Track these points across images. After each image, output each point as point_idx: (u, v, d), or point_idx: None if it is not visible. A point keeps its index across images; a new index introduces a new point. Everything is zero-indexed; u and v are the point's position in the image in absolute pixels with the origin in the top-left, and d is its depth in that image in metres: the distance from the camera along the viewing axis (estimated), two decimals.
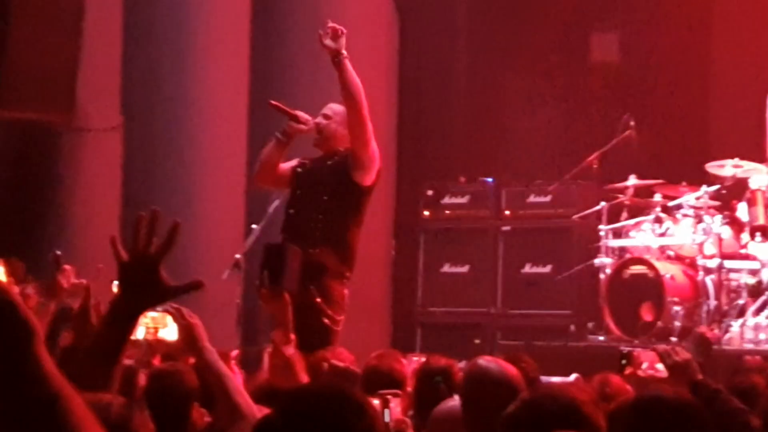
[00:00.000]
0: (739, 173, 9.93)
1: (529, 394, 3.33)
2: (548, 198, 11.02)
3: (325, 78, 10.37)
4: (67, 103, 9.54)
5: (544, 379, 5.97)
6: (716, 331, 9.39)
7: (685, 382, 4.37)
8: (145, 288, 2.72)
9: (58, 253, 5.46)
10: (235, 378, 3.98)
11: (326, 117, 7.19)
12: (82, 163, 9.95)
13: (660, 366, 4.66)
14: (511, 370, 4.26)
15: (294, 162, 7.35)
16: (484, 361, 4.33)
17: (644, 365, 4.84)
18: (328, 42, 6.83)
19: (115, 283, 2.75)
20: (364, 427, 2.37)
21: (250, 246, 8.03)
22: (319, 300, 6.84)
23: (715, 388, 4.32)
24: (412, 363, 5.92)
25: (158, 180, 9.98)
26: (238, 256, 8.16)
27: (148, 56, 10.18)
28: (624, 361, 5.06)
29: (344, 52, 6.81)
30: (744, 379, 4.83)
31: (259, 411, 3.53)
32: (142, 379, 4.66)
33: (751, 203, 9.76)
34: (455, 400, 4.17)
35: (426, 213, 11.36)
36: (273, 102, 7.30)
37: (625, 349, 5.03)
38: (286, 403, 2.45)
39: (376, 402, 3.66)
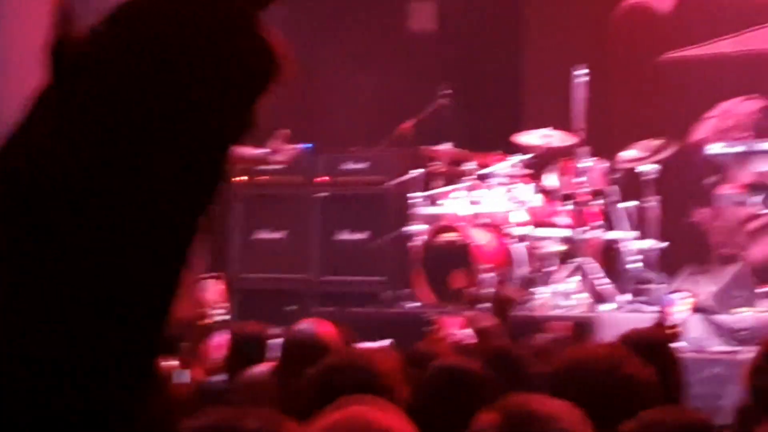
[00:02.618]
0: (550, 142, 10.14)
1: (332, 360, 3.35)
2: (364, 164, 11.05)
3: None
4: None
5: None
6: (523, 294, 9.57)
7: (490, 347, 4.45)
8: None
9: None
10: None
11: None
12: None
13: (465, 332, 4.74)
14: (328, 331, 4.28)
15: None
16: (304, 324, 4.35)
17: (451, 331, 4.91)
18: None
19: None
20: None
21: None
22: None
23: (516, 354, 4.42)
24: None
25: None
26: None
27: None
28: (431, 327, 5.12)
29: None
30: (546, 344, 4.94)
31: None
32: None
33: (562, 172, 9.98)
34: (264, 365, 4.15)
35: (240, 178, 11.26)
36: None
37: (431, 315, 5.08)
38: None
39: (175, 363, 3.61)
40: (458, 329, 4.86)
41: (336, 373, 3.31)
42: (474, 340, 4.55)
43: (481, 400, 3.29)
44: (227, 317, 7.48)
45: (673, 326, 5.29)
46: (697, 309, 9.35)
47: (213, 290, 7.44)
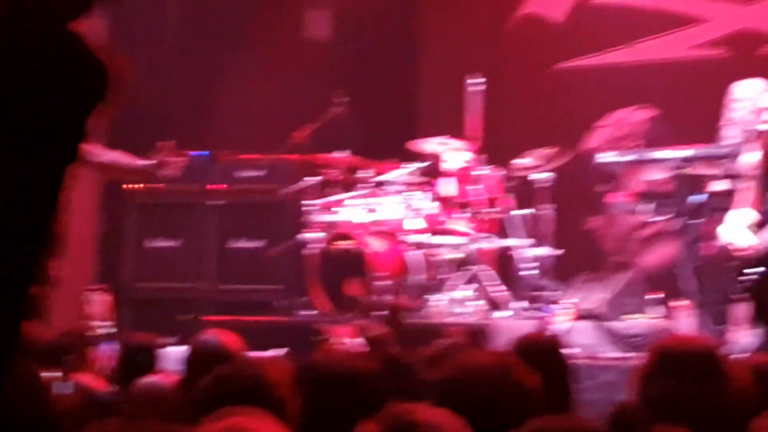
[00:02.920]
0: (445, 150, 10.18)
1: (221, 370, 3.33)
2: (260, 172, 11.00)
3: None
4: None
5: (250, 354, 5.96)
6: (418, 302, 9.60)
7: (380, 354, 4.47)
8: None
9: None
10: None
11: None
12: None
13: (355, 340, 4.75)
14: (233, 341, 4.29)
15: None
16: (208, 333, 4.35)
17: (340, 339, 4.92)
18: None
19: None
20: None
21: None
22: None
23: (406, 361, 4.44)
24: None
25: None
26: None
27: None
28: (320, 336, 5.12)
29: None
30: (440, 351, 4.97)
31: None
32: None
33: (457, 180, 10.02)
34: (156, 375, 4.11)
35: (134, 186, 11.12)
36: None
37: (322, 324, 5.08)
38: None
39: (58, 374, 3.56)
40: (349, 338, 4.87)
41: (226, 383, 3.29)
42: (364, 349, 4.57)
43: (370, 410, 3.29)
44: (113, 330, 7.39)
45: (554, 334, 5.34)
46: (590, 316, 9.47)
47: (98, 302, 7.34)
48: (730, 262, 7.21)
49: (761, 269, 7.04)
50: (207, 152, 11.16)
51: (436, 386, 3.37)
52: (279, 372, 3.42)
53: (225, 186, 11.05)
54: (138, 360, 4.79)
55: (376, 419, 2.80)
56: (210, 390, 3.29)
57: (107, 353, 5.90)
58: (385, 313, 8.32)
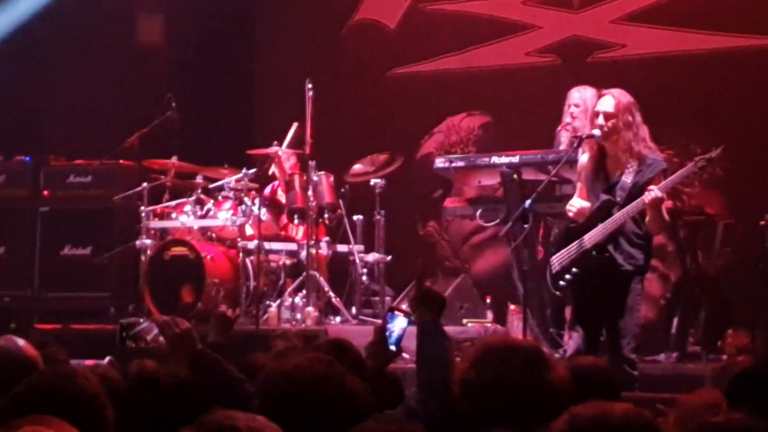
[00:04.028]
0: (278, 156, 10.15)
1: (35, 379, 3.26)
2: (89, 178, 10.81)
3: None
4: None
5: (76, 362, 5.84)
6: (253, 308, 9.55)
7: (185, 352, 4.45)
8: None
9: None
10: None
11: None
12: None
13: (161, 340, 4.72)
14: (30, 351, 4.19)
15: None
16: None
17: (149, 337, 4.86)
18: None
19: None
20: None
21: None
22: None
23: (213, 357, 4.42)
24: None
25: None
26: None
27: None
28: (124, 334, 5.04)
29: None
30: (251, 357, 4.97)
31: None
32: None
33: (290, 186, 9.98)
34: None
35: None
36: None
37: (126, 321, 5.00)
38: None
39: None
40: (154, 335, 4.83)
41: (37, 394, 3.22)
42: (166, 348, 4.56)
43: (188, 417, 3.25)
44: None
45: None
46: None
47: None
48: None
49: (575, 271, 7.13)
50: (29, 158, 10.91)
51: (258, 393, 3.35)
52: (96, 381, 3.36)
53: (52, 192, 10.83)
54: None
55: (195, 426, 2.77)
56: (21, 400, 3.21)
57: None
58: (212, 322, 8.21)
